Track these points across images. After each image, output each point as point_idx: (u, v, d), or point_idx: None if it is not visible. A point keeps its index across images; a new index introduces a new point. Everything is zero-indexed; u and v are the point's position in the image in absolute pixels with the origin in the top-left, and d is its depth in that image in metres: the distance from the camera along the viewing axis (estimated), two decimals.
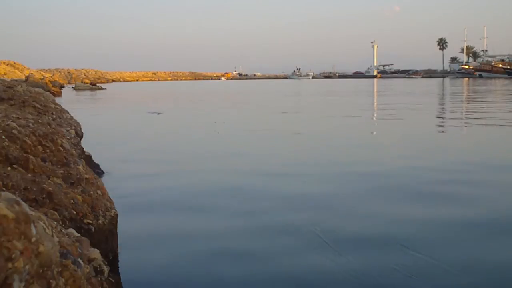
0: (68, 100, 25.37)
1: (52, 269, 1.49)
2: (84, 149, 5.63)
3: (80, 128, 5.72)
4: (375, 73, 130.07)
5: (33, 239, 1.39)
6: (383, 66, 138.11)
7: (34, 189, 2.44)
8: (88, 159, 5.51)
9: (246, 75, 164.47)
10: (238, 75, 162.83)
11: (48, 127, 3.55)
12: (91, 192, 2.81)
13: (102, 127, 12.74)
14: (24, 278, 1.34)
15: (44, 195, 2.44)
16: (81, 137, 5.61)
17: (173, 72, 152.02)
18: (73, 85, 50.31)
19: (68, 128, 4.84)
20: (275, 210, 4.49)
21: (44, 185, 2.50)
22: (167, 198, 5.03)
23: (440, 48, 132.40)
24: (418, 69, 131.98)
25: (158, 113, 15.97)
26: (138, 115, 16.38)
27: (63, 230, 1.97)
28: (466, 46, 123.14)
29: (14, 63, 52.00)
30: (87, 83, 54.82)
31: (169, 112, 16.95)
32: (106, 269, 2.04)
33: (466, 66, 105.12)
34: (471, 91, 35.38)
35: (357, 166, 6.63)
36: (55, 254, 1.52)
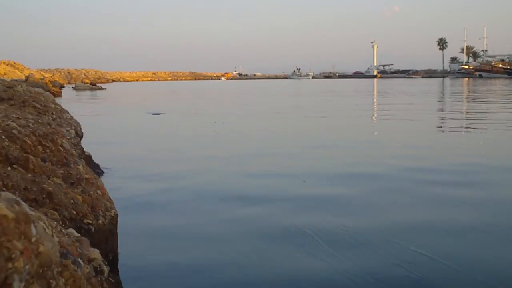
0: (68, 100, 25.37)
1: (52, 269, 1.49)
2: (84, 149, 5.63)
3: (80, 128, 5.72)
4: (375, 73, 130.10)
5: (33, 239, 1.39)
6: (383, 66, 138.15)
7: (34, 189, 2.44)
8: (88, 159, 5.51)
9: (246, 75, 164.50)
10: (238, 75, 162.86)
11: (48, 127, 3.55)
12: (91, 192, 2.81)
13: (102, 127, 12.74)
14: (24, 278, 1.33)
15: (44, 195, 2.44)
16: (81, 137, 5.61)
17: (173, 72, 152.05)
18: (73, 85, 50.32)
19: (68, 128, 4.84)
20: (274, 210, 4.48)
21: (44, 185, 2.50)
22: (167, 198, 5.03)
23: (440, 48, 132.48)
24: (418, 69, 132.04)
25: (158, 113, 15.97)
26: (138, 115, 16.38)
27: (63, 230, 1.97)
28: (466, 46, 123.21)
29: (14, 63, 52.00)
30: (87, 83, 54.84)
31: (169, 112, 16.95)
32: (106, 269, 2.04)
33: (466, 66, 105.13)
34: (472, 91, 35.36)
35: (356, 166, 6.63)
36: (55, 254, 1.52)
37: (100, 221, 2.65)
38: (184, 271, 3.13)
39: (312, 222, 4.06)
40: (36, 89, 5.90)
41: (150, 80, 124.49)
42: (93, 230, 2.55)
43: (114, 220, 2.81)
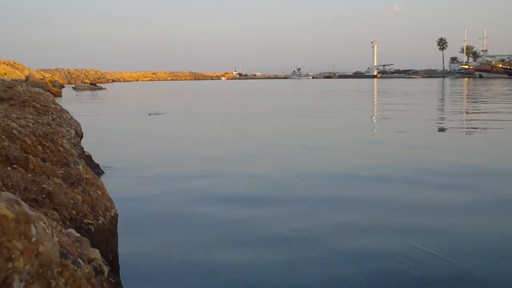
0: (68, 100, 25.37)
1: (52, 269, 1.49)
2: (84, 149, 5.63)
3: (80, 128, 5.72)
4: (375, 73, 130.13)
5: (33, 239, 1.39)
6: (383, 66, 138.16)
7: (34, 189, 2.44)
8: (88, 159, 5.51)
9: (246, 75, 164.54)
10: (238, 75, 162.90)
11: (48, 127, 3.55)
12: (91, 192, 2.81)
13: (102, 127, 12.74)
14: (24, 278, 1.34)
15: (44, 195, 2.44)
16: (81, 137, 5.61)
17: (173, 72, 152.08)
18: (73, 85, 50.33)
19: (68, 128, 4.84)
20: (274, 210, 4.48)
21: (44, 185, 2.50)
22: (167, 197, 5.03)
23: (440, 48, 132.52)
24: (418, 69, 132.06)
25: (158, 113, 15.97)
26: (138, 115, 16.38)
27: (63, 230, 1.97)
28: (466, 46, 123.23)
29: (14, 63, 52.01)
30: (87, 83, 54.87)
31: (169, 112, 16.96)
32: (106, 269, 2.04)
33: (466, 66, 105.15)
34: (472, 91, 35.37)
35: (356, 166, 6.64)
36: (55, 254, 1.52)
37: (100, 221, 2.65)
38: (184, 271, 3.13)
39: (312, 223, 4.06)
40: (36, 89, 5.90)
41: (150, 80, 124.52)
42: (93, 230, 2.55)
43: (114, 220, 2.81)
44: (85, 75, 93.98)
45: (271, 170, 6.44)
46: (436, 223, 4.05)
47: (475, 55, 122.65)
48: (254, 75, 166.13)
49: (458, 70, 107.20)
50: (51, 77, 54.40)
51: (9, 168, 2.56)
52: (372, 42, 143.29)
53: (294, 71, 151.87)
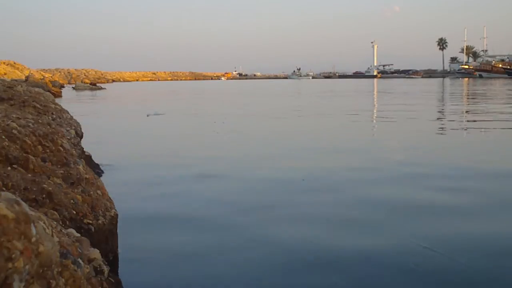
0: (68, 100, 25.37)
1: (52, 269, 1.49)
2: (84, 149, 5.63)
3: (80, 128, 5.72)
4: (375, 73, 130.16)
5: (33, 239, 1.39)
6: (383, 66, 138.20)
7: (34, 189, 2.44)
8: (88, 159, 5.51)
9: (246, 75, 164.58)
10: (238, 75, 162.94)
11: (48, 127, 3.55)
12: (91, 192, 2.81)
13: (102, 127, 12.74)
14: (24, 278, 1.34)
15: (44, 195, 2.44)
16: (81, 137, 5.61)
17: (173, 72, 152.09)
18: (73, 85, 50.33)
19: (68, 128, 4.84)
20: (273, 210, 4.48)
21: (44, 185, 2.50)
22: (167, 197, 5.03)
23: (440, 48, 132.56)
24: (418, 69, 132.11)
25: (158, 113, 15.98)
26: (138, 115, 16.39)
27: (63, 230, 1.97)
28: (466, 46, 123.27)
29: (14, 63, 51.99)
30: (87, 83, 54.88)
31: (169, 112, 16.96)
32: (106, 269, 2.04)
33: (466, 66, 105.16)
34: (472, 91, 35.37)
35: (355, 166, 6.64)
36: (55, 254, 1.52)
37: (100, 221, 2.65)
38: (184, 271, 3.13)
39: (312, 222, 4.07)
40: (36, 89, 5.91)
41: (150, 80, 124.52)
42: (93, 230, 2.55)
43: (114, 220, 2.82)
44: (85, 75, 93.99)
45: (270, 169, 6.44)
46: (437, 226, 4.05)
47: (475, 55, 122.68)
48: (254, 75, 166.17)
49: (458, 70, 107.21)
50: (51, 77, 54.39)
51: (9, 168, 2.56)
52: (372, 42, 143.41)
53: (294, 71, 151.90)
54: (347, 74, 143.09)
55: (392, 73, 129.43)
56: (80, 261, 1.74)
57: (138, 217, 4.27)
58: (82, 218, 2.54)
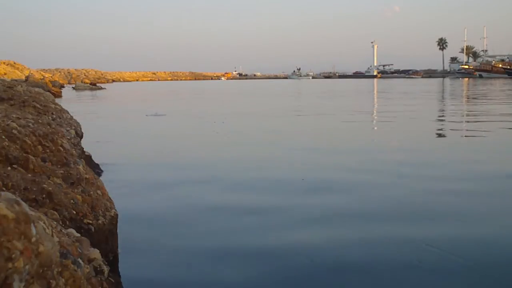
0: (68, 100, 25.37)
1: (52, 269, 1.49)
2: (84, 149, 5.63)
3: (80, 128, 5.72)
4: (375, 73, 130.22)
5: (33, 239, 1.39)
6: (383, 66, 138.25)
7: (34, 189, 2.44)
8: (88, 159, 5.51)
9: (246, 75, 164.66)
10: (238, 75, 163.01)
11: (48, 127, 3.55)
12: (91, 192, 2.81)
13: (102, 127, 12.74)
14: (24, 278, 1.34)
15: (44, 195, 2.44)
16: (81, 137, 5.61)
17: (173, 72, 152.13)
18: (73, 85, 50.34)
19: (68, 128, 4.84)
20: (273, 210, 4.48)
21: (44, 185, 2.50)
22: (167, 197, 5.03)
23: (440, 48, 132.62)
24: (418, 69, 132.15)
25: (158, 113, 15.98)
26: (138, 115, 16.38)
27: (63, 230, 1.97)
28: (466, 46, 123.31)
29: (14, 63, 52.00)
30: (87, 83, 54.90)
31: (168, 112, 16.96)
32: (106, 269, 2.04)
33: (466, 66, 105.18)
34: (472, 91, 35.37)
35: (355, 167, 6.64)
36: (55, 254, 1.52)
37: (100, 221, 2.65)
38: (184, 271, 3.13)
39: (311, 222, 4.07)
40: (36, 89, 5.91)
41: (150, 80, 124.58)
42: (93, 230, 2.55)
43: (114, 220, 2.82)
44: (85, 75, 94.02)
45: (270, 169, 6.44)
46: (438, 229, 4.05)
47: (475, 55, 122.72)
48: (254, 75, 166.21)
49: (458, 70, 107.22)
50: (51, 77, 54.40)
51: (9, 168, 2.56)
52: (372, 42, 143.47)
53: (294, 71, 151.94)
54: (347, 74, 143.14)
55: (392, 73, 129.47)
56: (80, 261, 1.74)
57: (138, 217, 4.27)
58: (82, 218, 2.54)
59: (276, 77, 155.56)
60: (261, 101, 26.02)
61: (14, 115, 3.53)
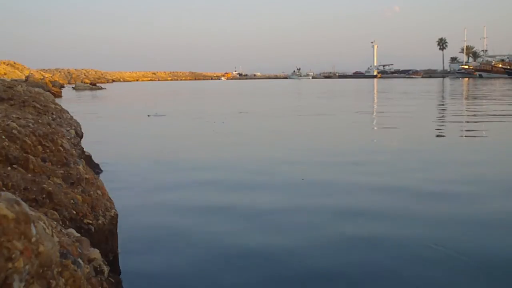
0: (68, 100, 25.37)
1: (52, 269, 1.49)
2: (84, 149, 5.63)
3: (80, 128, 5.72)
4: (375, 73, 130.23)
5: (33, 239, 1.39)
6: (383, 66, 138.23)
7: (34, 189, 2.44)
8: (88, 159, 5.51)
9: (246, 75, 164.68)
10: (238, 75, 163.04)
11: (48, 127, 3.55)
12: (91, 192, 2.81)
13: (102, 127, 12.74)
14: (24, 278, 1.34)
15: (44, 195, 2.44)
16: (81, 137, 5.61)
17: (173, 72, 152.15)
18: (73, 85, 50.36)
19: (68, 128, 4.84)
20: (273, 210, 4.48)
21: (44, 185, 2.50)
22: (167, 198, 5.03)
23: (440, 48, 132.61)
24: (418, 69, 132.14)
25: (158, 113, 15.98)
26: (138, 115, 16.39)
27: (63, 230, 1.97)
28: (466, 46, 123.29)
29: (14, 63, 52.01)
30: (87, 83, 54.92)
31: (168, 113, 16.96)
32: (106, 269, 2.04)
33: (466, 66, 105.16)
34: (472, 91, 35.37)
35: (355, 167, 6.64)
36: (55, 254, 1.52)
37: (100, 221, 2.65)
38: (184, 271, 3.13)
39: (311, 222, 4.07)
40: (36, 89, 5.91)
41: (150, 80, 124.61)
42: (93, 230, 2.55)
43: (114, 220, 2.82)
44: (85, 75, 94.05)
45: (270, 169, 6.44)
46: (439, 232, 4.05)
47: (475, 55, 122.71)
48: (254, 75, 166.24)
49: (458, 70, 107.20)
50: (51, 77, 54.42)
51: (9, 168, 2.56)
52: (372, 42, 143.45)
53: (294, 71, 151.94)
54: (347, 74, 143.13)
55: (392, 73, 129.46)
56: (80, 261, 1.74)
57: (138, 217, 4.27)
58: (82, 218, 2.54)
59: (276, 77, 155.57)
60: (261, 101, 26.03)
61: (14, 115, 3.53)
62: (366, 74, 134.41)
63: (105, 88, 48.84)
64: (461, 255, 3.27)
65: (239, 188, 5.45)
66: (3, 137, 2.80)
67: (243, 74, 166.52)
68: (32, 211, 1.52)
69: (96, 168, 5.91)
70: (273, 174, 6.13)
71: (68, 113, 5.83)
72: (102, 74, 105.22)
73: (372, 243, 3.57)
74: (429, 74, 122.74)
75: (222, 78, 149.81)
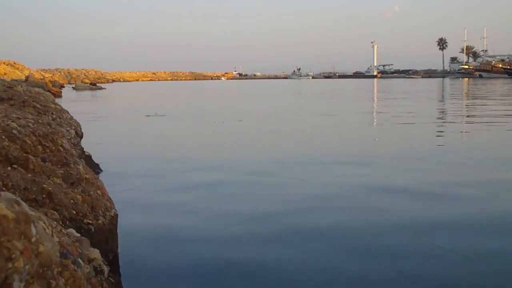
0: (68, 100, 25.37)
1: (52, 269, 1.49)
2: (84, 149, 5.63)
3: (80, 128, 5.72)
4: (375, 73, 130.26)
5: (33, 239, 1.39)
6: (383, 66, 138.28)
7: (34, 189, 2.44)
8: (88, 159, 5.51)
9: (246, 75, 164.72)
10: (238, 75, 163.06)
11: (48, 127, 3.55)
12: (91, 192, 2.81)
13: (102, 127, 12.74)
14: (24, 278, 1.34)
15: (44, 195, 2.44)
16: (81, 137, 5.61)
17: (173, 72, 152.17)
18: (73, 85, 50.36)
19: (68, 128, 4.84)
20: (272, 210, 4.48)
21: (44, 185, 2.50)
22: (167, 198, 5.03)
23: (440, 48, 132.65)
24: (418, 69, 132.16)
25: (158, 114, 15.99)
26: (138, 115, 16.39)
27: (63, 230, 1.97)
28: (466, 46, 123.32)
29: (14, 63, 52.02)
30: (87, 83, 54.92)
31: (168, 113, 16.96)
32: (106, 269, 2.05)
33: (466, 66, 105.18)
34: (472, 91, 35.37)
35: (354, 167, 6.64)
36: (55, 254, 1.52)
37: (100, 221, 2.65)
38: (184, 271, 3.13)
39: (311, 222, 4.07)
40: (36, 89, 5.91)
41: (150, 80, 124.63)
42: (93, 230, 2.55)
43: (114, 220, 2.82)
44: (85, 75, 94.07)
45: (269, 169, 6.44)
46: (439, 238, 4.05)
47: (475, 55, 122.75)
48: (254, 75, 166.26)
49: (458, 70, 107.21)
50: (51, 77, 54.43)
51: (9, 168, 2.56)
52: (372, 42, 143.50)
53: (294, 71, 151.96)
54: (347, 74, 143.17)
55: (392, 73, 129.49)
56: (80, 261, 1.74)
57: (138, 217, 4.27)
58: (82, 218, 2.54)
59: (276, 77, 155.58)
60: (261, 101, 26.02)
61: (14, 115, 3.53)
62: (366, 74, 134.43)
63: (105, 88, 48.83)
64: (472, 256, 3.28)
65: (239, 188, 5.45)
66: (3, 137, 2.80)
67: (243, 74, 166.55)
68: (32, 211, 1.53)
69: (96, 168, 5.91)
70: (273, 175, 6.12)
71: (68, 113, 5.83)
72: (102, 74, 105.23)
73: (373, 247, 3.57)
74: (429, 74, 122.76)
75: (222, 78, 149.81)
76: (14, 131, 2.94)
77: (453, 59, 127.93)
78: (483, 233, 3.77)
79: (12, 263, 1.29)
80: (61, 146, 3.18)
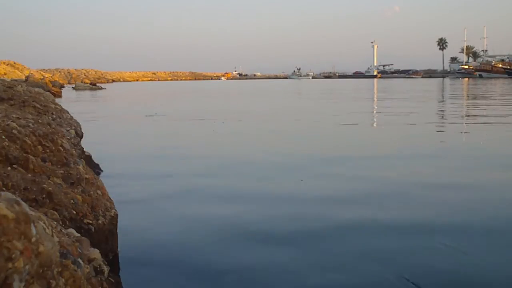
0: (68, 100, 25.37)
1: (52, 269, 1.49)
2: (84, 149, 5.63)
3: (80, 128, 5.72)
4: (375, 73, 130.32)
5: (33, 239, 1.39)
6: (383, 66, 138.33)
7: (34, 189, 2.44)
8: (88, 159, 5.51)
9: (246, 75, 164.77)
10: (238, 75, 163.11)
11: (48, 127, 3.55)
12: (91, 192, 2.81)
13: (102, 127, 12.74)
14: (24, 278, 1.34)
15: (44, 195, 2.44)
16: (81, 137, 5.61)
17: (173, 72, 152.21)
18: (73, 85, 50.37)
19: (68, 128, 4.84)
20: (272, 210, 4.48)
21: (44, 185, 2.50)
22: (167, 198, 5.03)
23: (440, 48, 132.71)
24: (418, 69, 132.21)
25: (158, 114, 15.99)
26: (138, 115, 16.39)
27: (63, 230, 1.97)
28: (466, 46, 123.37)
29: (14, 63, 52.02)
30: (87, 83, 54.95)
31: (168, 113, 16.96)
32: (106, 269, 2.05)
33: (466, 66, 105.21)
34: (472, 91, 35.37)
35: (355, 167, 6.64)
36: (55, 254, 1.52)
37: (100, 221, 2.65)
38: (184, 271, 3.13)
39: (311, 222, 4.07)
40: (36, 89, 5.91)
41: (150, 80, 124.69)
42: (93, 230, 2.55)
43: (114, 220, 2.82)
44: (85, 75, 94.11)
45: (269, 168, 6.44)
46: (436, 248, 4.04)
47: (475, 55, 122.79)
48: (254, 75, 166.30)
49: (458, 70, 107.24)
50: (51, 77, 54.44)
51: (9, 168, 2.56)
52: (372, 42, 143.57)
53: (294, 71, 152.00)
54: (347, 74, 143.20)
55: (392, 73, 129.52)
56: (80, 261, 1.74)
57: (138, 217, 4.27)
58: (82, 218, 2.54)
59: (276, 77, 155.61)
60: (261, 101, 26.02)
61: (14, 115, 3.53)
62: (366, 74, 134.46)
63: (105, 88, 48.83)
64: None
65: (238, 188, 5.44)
66: (3, 137, 2.80)
67: (243, 74, 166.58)
68: (32, 211, 1.53)
69: (96, 168, 5.91)
70: (273, 175, 6.12)
71: (68, 113, 5.83)
72: (102, 74, 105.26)
73: (373, 247, 3.57)
74: (429, 74, 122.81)
75: (222, 78, 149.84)
76: (14, 131, 2.94)
77: (453, 59, 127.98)
78: (486, 232, 3.78)
79: (12, 263, 1.29)
80: (61, 146, 3.18)
